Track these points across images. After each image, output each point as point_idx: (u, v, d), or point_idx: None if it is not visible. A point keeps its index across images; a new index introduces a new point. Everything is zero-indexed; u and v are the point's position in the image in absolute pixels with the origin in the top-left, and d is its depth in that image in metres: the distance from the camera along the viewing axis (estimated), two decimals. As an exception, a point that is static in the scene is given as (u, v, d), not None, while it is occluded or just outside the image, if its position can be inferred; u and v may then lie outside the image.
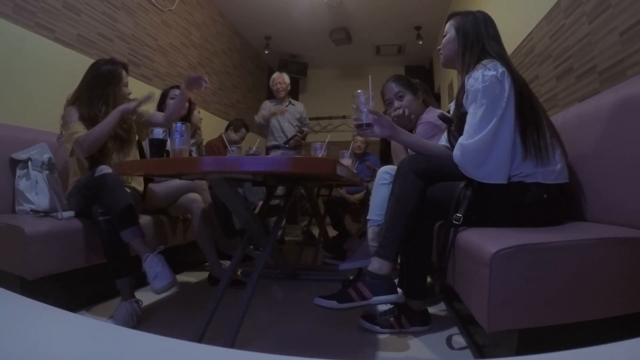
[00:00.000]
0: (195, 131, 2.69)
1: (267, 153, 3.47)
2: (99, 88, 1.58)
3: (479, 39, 1.19)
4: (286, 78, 3.42)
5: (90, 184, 1.42)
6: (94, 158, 1.56)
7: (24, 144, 1.65)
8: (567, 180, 1.11)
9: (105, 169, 1.41)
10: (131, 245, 1.35)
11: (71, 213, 1.49)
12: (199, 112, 2.86)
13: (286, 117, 3.38)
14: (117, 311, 1.33)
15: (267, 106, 3.42)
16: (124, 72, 1.64)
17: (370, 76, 1.28)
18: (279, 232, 3.51)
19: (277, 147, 3.38)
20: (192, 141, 2.55)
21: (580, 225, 1.07)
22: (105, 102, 1.58)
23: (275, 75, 3.43)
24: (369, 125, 1.27)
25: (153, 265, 1.29)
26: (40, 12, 2.02)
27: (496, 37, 1.21)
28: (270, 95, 3.67)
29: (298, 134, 3.33)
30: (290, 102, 3.45)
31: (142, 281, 1.38)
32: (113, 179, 1.39)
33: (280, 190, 2.78)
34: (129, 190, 1.59)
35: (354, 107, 1.27)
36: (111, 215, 1.36)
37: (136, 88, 2.72)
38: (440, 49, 1.30)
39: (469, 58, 1.18)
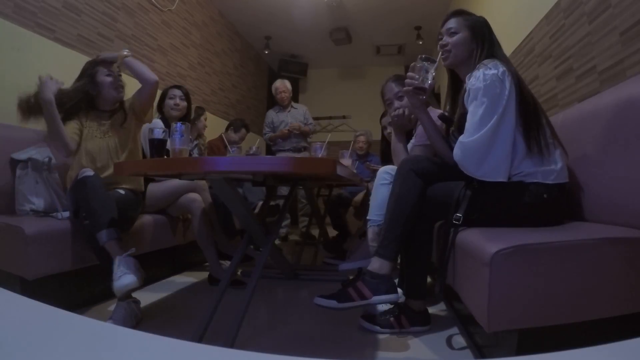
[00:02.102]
0: (199, 135, 2.69)
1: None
2: None
3: (492, 44, 1.20)
4: (288, 85, 3.50)
5: (74, 186, 1.43)
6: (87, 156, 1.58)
7: (24, 144, 1.65)
8: (566, 180, 1.11)
9: (86, 172, 1.41)
10: (106, 246, 1.32)
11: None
12: (205, 119, 2.86)
13: (290, 122, 3.46)
14: (115, 312, 1.32)
15: (271, 116, 3.55)
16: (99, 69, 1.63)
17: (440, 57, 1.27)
18: (283, 230, 3.56)
19: (282, 151, 3.48)
20: (195, 143, 2.55)
21: (580, 225, 1.07)
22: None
23: (278, 84, 3.49)
24: (424, 89, 1.27)
25: (120, 267, 1.27)
26: (40, 12, 2.02)
27: (500, 45, 1.22)
28: (271, 97, 3.71)
29: (295, 130, 3.41)
30: (292, 107, 3.55)
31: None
32: (92, 181, 1.38)
33: (284, 190, 2.79)
34: (122, 192, 1.58)
35: (420, 65, 1.26)
36: (91, 219, 1.34)
37: (136, 88, 2.72)
38: (447, 46, 1.24)
39: (480, 61, 1.17)
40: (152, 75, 1.67)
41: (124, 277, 1.24)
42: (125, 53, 1.64)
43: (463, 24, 1.23)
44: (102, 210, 1.34)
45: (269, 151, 5.33)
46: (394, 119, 1.60)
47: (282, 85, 3.47)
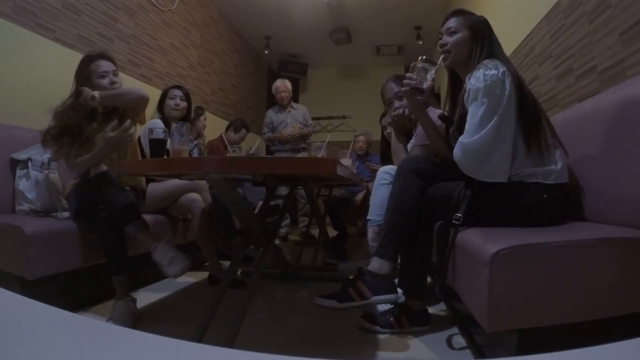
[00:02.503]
0: (198, 135, 2.69)
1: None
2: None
3: (492, 44, 1.19)
4: (288, 85, 3.49)
5: (88, 183, 1.40)
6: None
7: (24, 144, 1.65)
8: (567, 180, 1.11)
9: (101, 167, 1.41)
10: (139, 238, 1.37)
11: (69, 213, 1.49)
12: (205, 119, 2.86)
13: (289, 123, 3.46)
14: (114, 311, 1.33)
15: (270, 116, 3.54)
16: (97, 63, 1.54)
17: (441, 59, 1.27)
18: (283, 230, 3.56)
19: (281, 151, 3.48)
20: (195, 143, 2.54)
21: (580, 225, 1.07)
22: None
23: (278, 83, 3.47)
24: (422, 90, 1.26)
25: (165, 252, 1.31)
26: (40, 12, 2.02)
27: (500, 45, 1.22)
28: (271, 97, 3.71)
29: (291, 135, 3.41)
30: (292, 107, 3.54)
31: (138, 282, 1.37)
32: (110, 176, 1.39)
33: (284, 190, 2.79)
34: (127, 188, 1.59)
35: (420, 66, 1.26)
36: (113, 211, 1.35)
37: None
38: (447, 46, 1.23)
39: (480, 61, 1.16)
40: (135, 95, 1.54)
41: (176, 262, 1.30)
42: (91, 98, 1.45)
43: (463, 23, 1.22)
44: (127, 203, 1.36)
45: (269, 151, 5.33)
46: (394, 119, 1.60)
47: (282, 85, 3.45)
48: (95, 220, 1.38)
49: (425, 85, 1.26)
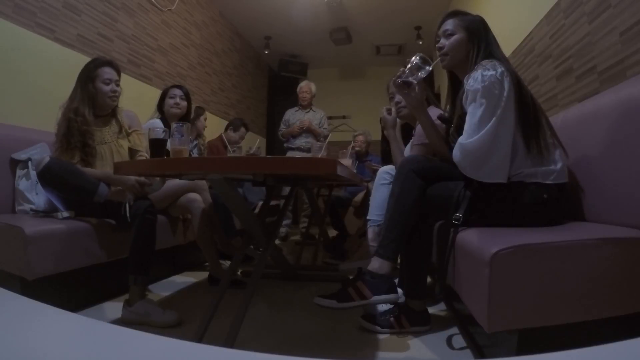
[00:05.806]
0: (198, 135, 2.68)
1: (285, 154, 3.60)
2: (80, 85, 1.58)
3: (488, 43, 1.19)
4: (313, 87, 3.64)
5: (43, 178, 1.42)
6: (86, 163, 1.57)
7: (24, 144, 1.65)
8: (566, 180, 1.11)
9: (45, 159, 1.40)
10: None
11: (71, 212, 1.49)
12: (205, 119, 2.86)
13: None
14: (136, 306, 1.34)
15: (289, 114, 3.68)
16: (104, 69, 1.59)
17: (439, 60, 1.28)
18: (283, 231, 3.57)
19: (292, 149, 3.56)
20: (194, 143, 2.54)
21: (580, 225, 1.07)
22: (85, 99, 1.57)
23: (304, 84, 3.65)
24: (410, 85, 1.28)
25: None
26: (40, 12, 2.02)
27: (497, 43, 1.22)
28: (272, 97, 3.72)
29: (304, 126, 3.52)
30: (312, 109, 3.66)
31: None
32: (60, 164, 1.43)
33: (286, 191, 2.80)
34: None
35: (415, 62, 1.28)
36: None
37: (136, 88, 2.73)
38: (444, 48, 1.24)
39: (478, 62, 1.16)
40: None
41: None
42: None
43: (459, 24, 1.22)
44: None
45: (270, 151, 5.33)
46: (383, 119, 1.63)
47: (306, 86, 3.61)
48: (135, 216, 1.41)
49: (415, 81, 1.27)
